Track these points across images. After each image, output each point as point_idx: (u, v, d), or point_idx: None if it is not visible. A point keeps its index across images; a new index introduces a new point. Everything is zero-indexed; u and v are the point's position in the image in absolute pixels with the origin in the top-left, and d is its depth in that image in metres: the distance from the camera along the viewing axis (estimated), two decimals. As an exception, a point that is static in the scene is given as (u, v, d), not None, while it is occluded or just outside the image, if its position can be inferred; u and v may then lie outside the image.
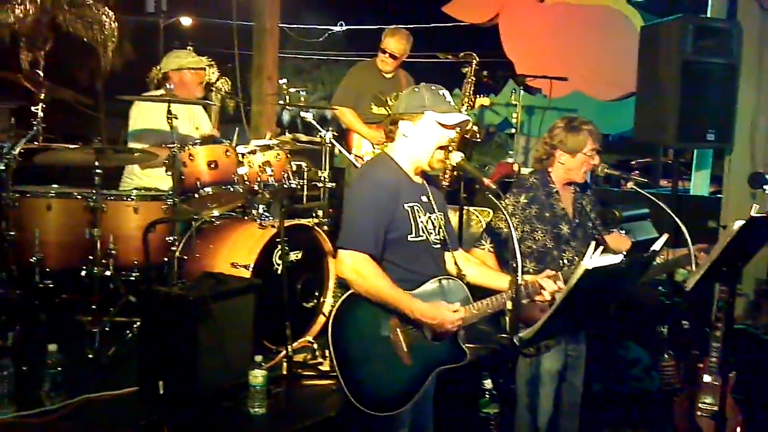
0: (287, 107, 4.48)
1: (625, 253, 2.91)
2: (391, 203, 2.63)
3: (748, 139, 5.05)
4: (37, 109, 3.82)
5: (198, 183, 3.81)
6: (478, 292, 2.82)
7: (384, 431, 2.61)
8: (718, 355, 3.52)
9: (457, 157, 2.73)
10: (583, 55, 7.28)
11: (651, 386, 4.37)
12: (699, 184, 5.62)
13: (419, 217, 2.69)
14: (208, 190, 3.84)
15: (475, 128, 4.77)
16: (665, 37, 5.09)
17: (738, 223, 3.22)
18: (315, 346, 3.91)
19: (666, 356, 4.11)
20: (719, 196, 5.23)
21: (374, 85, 5.22)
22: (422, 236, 2.69)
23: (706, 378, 3.53)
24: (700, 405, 3.55)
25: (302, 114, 4.54)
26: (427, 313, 2.58)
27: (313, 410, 3.23)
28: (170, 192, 3.81)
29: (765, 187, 3.75)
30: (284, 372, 3.53)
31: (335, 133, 4.68)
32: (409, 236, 2.65)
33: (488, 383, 3.16)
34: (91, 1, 14.55)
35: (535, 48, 7.83)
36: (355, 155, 5.06)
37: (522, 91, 6.07)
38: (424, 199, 2.74)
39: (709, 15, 5.63)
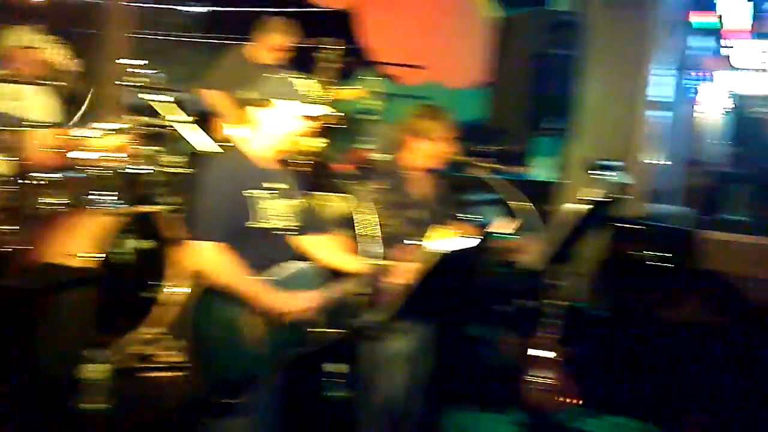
0: (140, 89, 4.31)
1: (473, 237, 3.02)
2: (239, 192, 2.61)
3: (591, 127, 5.36)
4: None
5: (36, 168, 3.61)
6: (332, 277, 2.85)
7: (233, 418, 2.60)
8: (556, 332, 3.71)
9: (313, 143, 2.75)
10: (438, 43, 7.46)
11: (494, 363, 4.58)
12: (544, 169, 5.91)
13: (270, 204, 2.68)
14: (48, 175, 3.64)
15: (333, 115, 4.79)
16: (517, 29, 5.33)
17: (577, 207, 3.42)
18: (160, 337, 3.80)
19: (508, 334, 4.31)
20: (564, 181, 5.51)
21: (245, 72, 5.12)
22: (273, 223, 2.68)
23: (544, 354, 3.72)
24: (538, 380, 3.73)
25: (152, 96, 4.38)
26: (279, 300, 2.58)
27: (154, 403, 3.16)
28: (5, 177, 3.59)
29: (603, 173, 3.98)
30: (126, 365, 3.42)
31: (195, 118, 4.56)
32: (259, 224, 2.64)
33: (336, 367, 3.19)
34: None
35: (391, 36, 7.94)
36: (220, 141, 4.95)
37: (378, 79, 6.14)
38: (278, 185, 2.74)
39: (555, 8, 5.92)
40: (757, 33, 8.29)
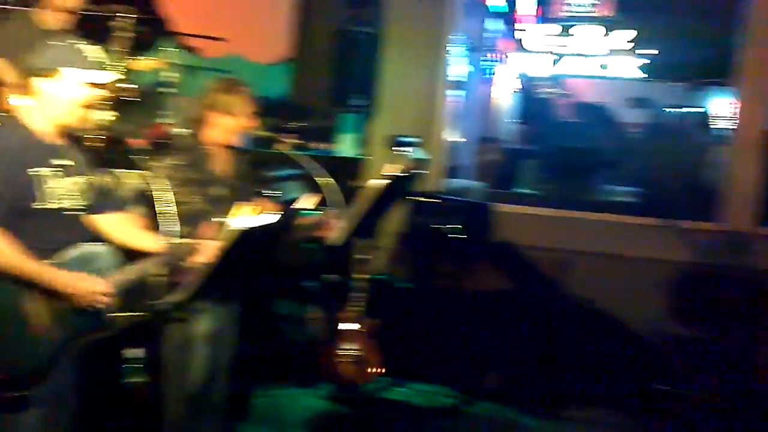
0: None
1: (276, 213, 3.00)
2: (15, 170, 2.42)
3: (392, 103, 5.50)
4: None
5: None
6: (130, 257, 2.73)
7: (25, 411, 2.43)
8: (360, 304, 3.81)
9: (105, 116, 2.60)
10: (240, 16, 7.31)
11: (301, 339, 4.63)
12: (348, 146, 6.00)
13: (54, 182, 2.51)
14: None
15: (128, 87, 4.57)
16: (320, 4, 5.33)
17: (376, 182, 3.50)
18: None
19: (314, 309, 4.36)
20: (367, 157, 5.62)
21: (30, 38, 4.71)
22: (58, 202, 2.51)
23: (349, 326, 3.81)
24: (343, 351, 3.81)
25: None
26: (69, 283, 2.43)
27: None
28: None
29: (403, 149, 4.10)
30: None
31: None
32: (41, 203, 2.47)
33: (135, 352, 3.08)
34: None
35: (191, 6, 7.67)
36: (1, 113, 4.54)
37: (178, 50, 5.92)
38: (64, 162, 2.57)
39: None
40: (542, 17, 8.87)
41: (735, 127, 5.26)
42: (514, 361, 4.96)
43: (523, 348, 4.95)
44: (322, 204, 3.32)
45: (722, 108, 11.40)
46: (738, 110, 5.25)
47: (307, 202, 3.22)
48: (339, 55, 5.25)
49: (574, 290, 5.14)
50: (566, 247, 5.25)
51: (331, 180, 3.31)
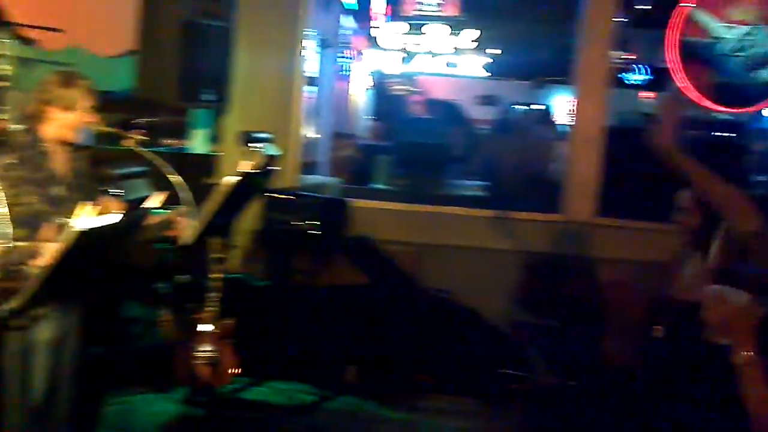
0: None
1: (121, 212, 2.88)
2: None
3: (245, 99, 5.41)
4: None
5: None
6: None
7: None
8: (214, 304, 3.72)
9: None
10: (80, 6, 6.97)
11: (153, 342, 4.48)
12: (199, 142, 5.85)
13: None
14: None
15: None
16: (165, -3, 5.14)
17: (229, 179, 3.43)
18: None
19: (165, 311, 4.23)
20: (220, 153, 5.50)
21: None
22: None
23: (204, 327, 3.71)
24: (198, 353, 3.72)
25: None
26: None
27: None
28: None
29: (256, 145, 4.04)
30: None
31: None
32: None
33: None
34: None
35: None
36: None
37: (14, 42, 5.56)
38: None
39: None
40: (393, 15, 9.03)
41: (575, 124, 5.54)
42: (372, 355, 5.01)
43: (382, 341, 5.01)
44: (172, 202, 3.22)
45: (563, 105, 12.07)
46: (577, 107, 5.53)
47: (155, 200, 3.11)
48: (187, 49, 5.09)
49: (428, 282, 5.26)
50: (420, 240, 5.36)
51: (180, 178, 3.22)
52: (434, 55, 9.83)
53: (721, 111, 6.48)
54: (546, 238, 5.36)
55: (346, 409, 4.68)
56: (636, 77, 11.32)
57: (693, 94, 5.89)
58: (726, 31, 5.72)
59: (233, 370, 3.97)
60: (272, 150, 3.81)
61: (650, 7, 8.93)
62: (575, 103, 5.55)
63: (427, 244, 5.34)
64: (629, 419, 2.98)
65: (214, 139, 5.79)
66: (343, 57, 8.69)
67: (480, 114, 11.04)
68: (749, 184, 6.70)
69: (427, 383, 4.98)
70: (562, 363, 5.11)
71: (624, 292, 3.24)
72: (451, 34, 9.22)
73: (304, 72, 5.71)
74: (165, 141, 5.83)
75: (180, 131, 5.84)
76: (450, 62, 10.29)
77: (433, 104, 8.70)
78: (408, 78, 9.69)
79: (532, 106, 11.37)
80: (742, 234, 2.54)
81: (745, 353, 1.84)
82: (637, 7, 9.04)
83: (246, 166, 3.45)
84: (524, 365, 5.14)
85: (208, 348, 3.69)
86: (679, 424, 2.89)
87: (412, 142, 6.94)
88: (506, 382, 5.01)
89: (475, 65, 10.66)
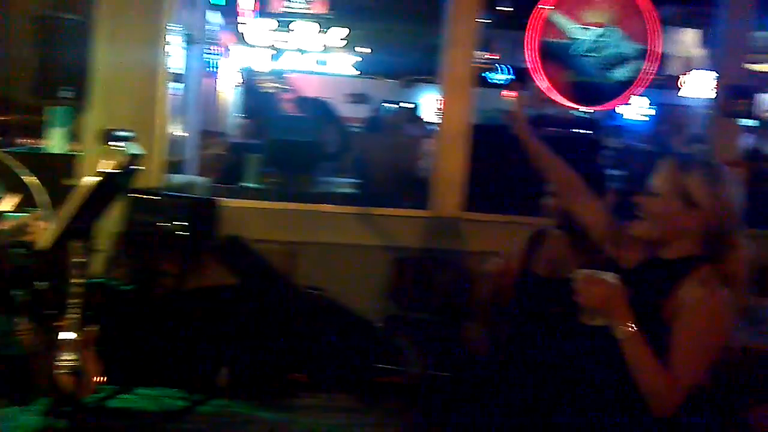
0: None
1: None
2: None
3: (107, 96, 5.20)
4: None
5: None
6: None
7: None
8: (77, 311, 3.57)
9: None
10: None
11: (11, 353, 4.24)
12: (57, 141, 5.58)
13: None
14: None
15: None
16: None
17: (89, 179, 3.30)
18: None
19: (23, 320, 4.01)
20: (80, 153, 5.27)
21: None
22: None
23: (65, 335, 3.56)
24: (60, 363, 3.55)
25: None
26: None
27: None
28: None
29: (116, 143, 3.89)
30: None
31: None
32: None
33: None
34: None
35: None
36: None
37: None
38: None
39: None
40: (261, 12, 8.94)
41: (442, 122, 5.67)
42: (245, 355, 4.95)
43: (255, 341, 4.96)
44: (28, 205, 3.06)
45: (431, 103, 12.36)
46: (444, 106, 5.66)
47: (7, 203, 2.94)
48: (41, 44, 4.84)
49: (301, 281, 5.25)
50: (292, 238, 5.34)
51: (36, 179, 3.06)
52: (303, 52, 9.81)
53: (579, 109, 6.83)
54: (415, 234, 5.47)
55: (219, 413, 4.60)
56: (499, 77, 11.75)
57: (552, 93, 6.19)
58: (581, 33, 6.03)
59: (98, 379, 3.83)
60: (135, 149, 3.67)
61: (512, 8, 9.28)
62: (442, 102, 5.68)
63: (299, 242, 5.33)
64: (505, 408, 3.07)
65: (73, 137, 5.53)
66: (210, 53, 8.52)
67: (350, 112, 11.13)
68: (605, 177, 7.09)
69: (302, 382, 4.98)
70: (435, 355, 5.23)
71: (491, 281, 3.35)
72: (320, 31, 9.23)
73: (169, 68, 5.55)
74: (19, 141, 5.52)
75: (36, 130, 5.54)
76: (319, 60, 10.31)
77: (303, 102, 8.70)
78: (277, 75, 9.63)
79: (401, 104, 11.59)
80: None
81: (626, 328, 1.95)
82: (499, 8, 9.37)
83: (107, 165, 3.33)
84: (398, 359, 5.23)
85: (71, 356, 3.53)
86: (557, 405, 3.01)
87: (282, 140, 6.90)
88: (380, 376, 5.08)
89: (344, 63, 10.73)
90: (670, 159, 2.12)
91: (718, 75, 6.06)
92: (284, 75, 9.69)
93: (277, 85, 9.41)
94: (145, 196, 4.88)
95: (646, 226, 2.11)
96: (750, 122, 7.20)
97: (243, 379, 4.86)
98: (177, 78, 6.28)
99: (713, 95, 6.06)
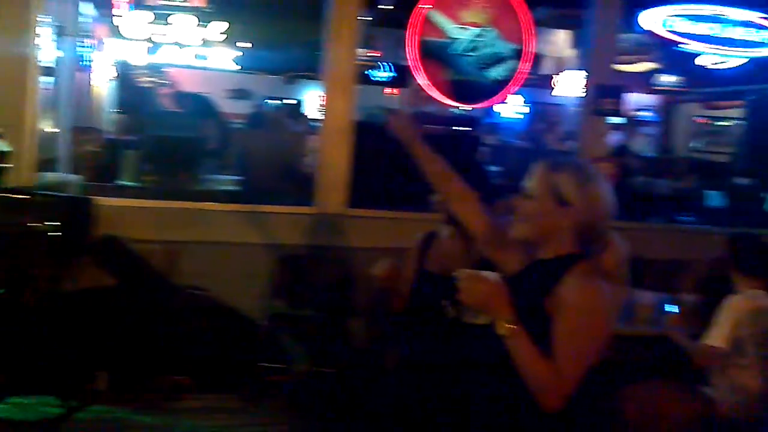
0: None
1: None
2: None
3: None
4: None
5: None
6: None
7: None
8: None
9: None
10: None
11: None
12: None
13: None
14: None
15: None
16: None
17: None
18: None
19: None
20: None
21: None
22: None
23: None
24: None
25: None
26: None
27: None
28: None
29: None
30: None
31: None
32: None
33: None
34: None
35: None
36: None
37: None
38: None
39: None
40: (137, 4, 8.65)
41: (324, 118, 5.68)
42: (125, 359, 4.81)
43: (134, 344, 4.82)
44: None
45: (314, 100, 12.34)
46: (326, 102, 5.67)
47: None
48: None
49: (183, 281, 5.14)
50: (172, 238, 5.21)
51: None
52: (181, 46, 9.56)
53: (458, 107, 7.01)
54: (300, 231, 5.46)
55: (98, 418, 4.44)
56: (381, 74, 11.87)
57: (432, 91, 6.32)
58: (459, 32, 6.19)
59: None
60: (3, 145, 3.50)
61: (393, 6, 9.39)
62: (324, 99, 5.69)
63: (180, 241, 5.21)
64: (391, 400, 3.10)
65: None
66: (83, 46, 8.18)
67: (231, 108, 10.96)
68: (484, 174, 7.30)
69: (185, 384, 4.88)
70: (321, 352, 5.25)
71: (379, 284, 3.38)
72: (199, 25, 9.01)
73: (39, 61, 5.29)
74: None
75: None
76: (198, 54, 10.08)
77: (182, 97, 8.49)
78: (154, 69, 9.34)
79: (284, 101, 11.52)
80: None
81: (508, 325, 2.00)
82: (380, 6, 9.47)
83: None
84: (284, 357, 5.21)
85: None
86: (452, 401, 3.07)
87: (160, 137, 6.71)
88: (266, 375, 5.05)
89: (224, 58, 10.54)
90: (541, 161, 2.20)
91: (588, 75, 6.34)
92: (162, 69, 9.40)
93: (154, 79, 9.12)
94: (14, 196, 4.64)
95: (523, 227, 2.18)
96: (618, 120, 7.64)
97: (123, 384, 4.72)
98: (48, 72, 6.00)
99: (583, 94, 6.34)
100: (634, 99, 12.35)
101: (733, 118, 12.13)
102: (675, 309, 4.08)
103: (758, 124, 8.33)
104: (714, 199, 7.40)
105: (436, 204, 3.21)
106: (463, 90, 6.39)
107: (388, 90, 12.16)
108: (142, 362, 4.82)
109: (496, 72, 6.36)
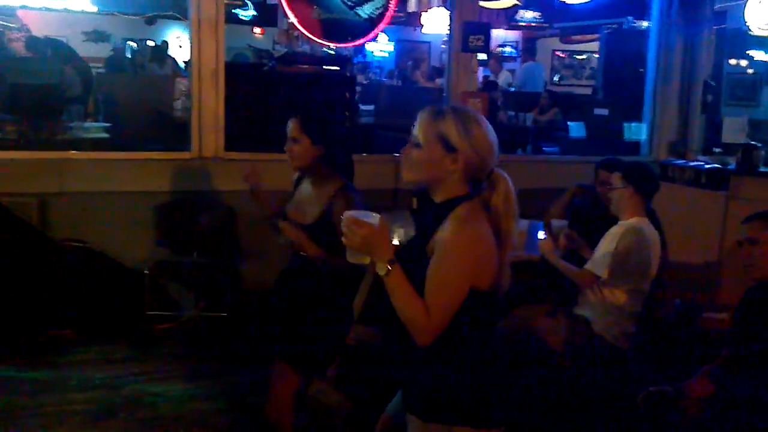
0: None
1: None
2: None
3: None
4: None
5: None
6: None
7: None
8: None
9: None
10: None
11: None
12: None
13: None
14: None
15: None
16: None
17: None
18: None
19: None
20: None
21: None
22: None
23: None
24: None
25: None
26: None
27: None
28: None
29: None
30: None
31: None
32: None
33: None
34: None
35: None
36: None
37: None
38: None
39: None
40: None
41: (194, 60, 5.52)
42: (1, 317, 4.64)
43: (10, 301, 4.66)
44: None
45: (177, 41, 11.92)
46: (195, 43, 5.50)
47: None
48: None
49: (59, 234, 4.98)
50: (43, 190, 5.01)
51: None
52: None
53: (328, 46, 7.01)
54: (178, 176, 5.36)
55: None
56: (246, 13, 11.56)
57: (301, 30, 6.28)
58: (327, -30, 6.15)
59: None
60: None
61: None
62: (193, 39, 5.51)
63: (51, 193, 5.01)
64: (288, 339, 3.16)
65: None
66: None
67: (91, 51, 10.44)
68: (355, 111, 7.37)
69: (68, 337, 4.77)
70: (208, 295, 5.25)
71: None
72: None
73: None
74: None
75: None
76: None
77: (37, 41, 8.05)
78: (5, 12, 8.75)
79: (148, 43, 11.05)
80: None
81: (384, 265, 2.11)
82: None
83: None
84: (170, 304, 5.18)
85: None
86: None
87: (16, 84, 6.37)
88: (154, 323, 5.01)
89: (81, 0, 9.98)
90: (425, 110, 2.28)
91: (453, 12, 6.45)
92: (14, 12, 8.82)
93: (5, 23, 8.55)
94: None
95: (414, 174, 2.27)
96: (484, 56, 7.85)
97: (2, 342, 4.56)
98: None
99: (450, 31, 6.45)
100: (498, 35, 12.70)
101: (591, 52, 12.70)
102: (544, 234, 4.29)
103: (614, 56, 8.75)
104: (576, 130, 7.79)
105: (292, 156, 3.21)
106: (332, 29, 6.37)
107: (255, 30, 11.91)
108: (20, 319, 4.67)
109: (364, 11, 6.38)
